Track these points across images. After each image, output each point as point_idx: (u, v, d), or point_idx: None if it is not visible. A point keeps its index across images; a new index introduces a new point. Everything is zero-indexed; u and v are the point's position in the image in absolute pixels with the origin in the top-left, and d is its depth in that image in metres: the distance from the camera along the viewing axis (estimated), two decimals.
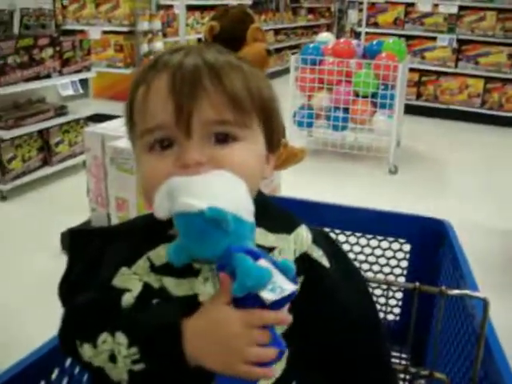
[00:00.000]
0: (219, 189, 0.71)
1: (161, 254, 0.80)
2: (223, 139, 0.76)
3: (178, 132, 0.74)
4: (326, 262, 0.88)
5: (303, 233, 0.88)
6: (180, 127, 0.74)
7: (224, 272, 0.69)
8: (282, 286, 0.66)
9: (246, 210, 0.72)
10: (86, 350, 0.76)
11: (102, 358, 0.75)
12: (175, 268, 0.76)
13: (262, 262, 0.67)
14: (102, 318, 0.76)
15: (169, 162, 0.75)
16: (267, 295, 0.66)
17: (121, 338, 0.73)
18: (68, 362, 1.02)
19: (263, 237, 0.83)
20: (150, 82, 0.76)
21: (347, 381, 0.91)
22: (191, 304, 0.76)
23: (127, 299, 0.78)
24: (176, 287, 0.79)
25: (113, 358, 0.73)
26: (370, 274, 1.57)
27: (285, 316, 0.70)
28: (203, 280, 0.79)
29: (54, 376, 0.99)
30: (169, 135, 0.75)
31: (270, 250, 0.83)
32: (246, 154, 0.77)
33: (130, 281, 0.79)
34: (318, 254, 0.88)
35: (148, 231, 0.83)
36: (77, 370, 1.06)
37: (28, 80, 3.78)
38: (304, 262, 0.86)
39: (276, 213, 0.90)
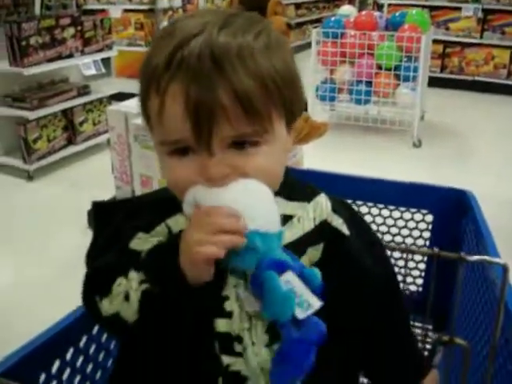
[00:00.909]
0: (245, 206, 0.72)
1: (179, 221, 0.82)
2: (241, 146, 0.74)
3: (199, 148, 0.73)
4: (346, 230, 0.88)
5: (322, 201, 0.89)
6: (201, 145, 0.73)
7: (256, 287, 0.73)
8: (309, 301, 0.69)
9: (273, 221, 0.74)
10: (104, 304, 0.78)
11: (117, 301, 0.77)
12: None
13: (288, 276, 0.69)
14: (117, 271, 0.79)
15: (192, 169, 0.75)
16: (297, 314, 0.69)
17: (132, 274, 0.76)
18: (95, 329, 1.06)
19: (283, 205, 0.84)
20: (165, 93, 0.72)
21: (367, 346, 0.92)
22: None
23: None
24: None
25: (127, 297, 0.76)
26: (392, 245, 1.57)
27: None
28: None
29: (81, 343, 1.02)
30: (189, 145, 0.74)
31: (290, 217, 0.84)
32: (268, 157, 0.76)
33: (147, 244, 0.81)
34: (338, 222, 0.88)
35: (169, 202, 0.84)
36: (104, 337, 1.09)
37: (50, 60, 3.81)
38: (324, 229, 0.87)
39: (295, 182, 0.91)
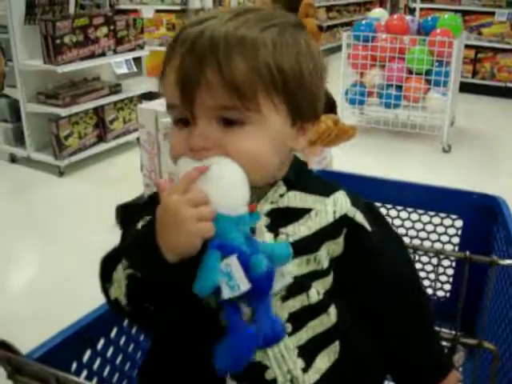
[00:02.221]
0: (211, 186, 0.74)
1: None
2: (230, 123, 0.77)
3: (187, 115, 0.78)
4: (367, 226, 0.89)
5: (341, 196, 0.90)
6: (186, 112, 0.77)
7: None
8: (240, 285, 0.70)
9: (235, 205, 0.74)
10: (110, 290, 0.80)
11: (115, 287, 0.79)
12: None
13: (231, 260, 0.71)
14: (118, 258, 0.80)
15: (184, 139, 0.78)
16: (224, 293, 0.70)
17: (124, 260, 0.78)
18: (126, 321, 1.07)
19: (301, 198, 0.86)
20: (168, 63, 0.80)
21: (389, 341, 0.93)
22: None
23: None
24: None
25: (119, 283, 0.78)
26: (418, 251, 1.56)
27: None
28: None
29: (112, 335, 1.04)
30: (182, 115, 0.79)
31: (307, 211, 0.85)
32: (253, 139, 0.77)
33: None
34: (361, 217, 0.89)
35: None
36: (134, 329, 1.11)
37: (83, 59, 3.86)
38: (344, 224, 0.88)
39: (314, 177, 0.93)
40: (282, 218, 0.84)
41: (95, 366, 1.01)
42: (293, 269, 0.81)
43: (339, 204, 0.89)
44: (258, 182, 0.82)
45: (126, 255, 0.77)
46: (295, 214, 0.85)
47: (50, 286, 2.53)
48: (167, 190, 0.73)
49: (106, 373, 1.05)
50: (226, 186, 0.74)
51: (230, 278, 0.70)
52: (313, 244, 0.85)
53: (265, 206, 0.84)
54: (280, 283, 0.76)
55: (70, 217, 3.25)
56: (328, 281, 0.88)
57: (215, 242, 0.72)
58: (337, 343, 0.87)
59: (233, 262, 0.70)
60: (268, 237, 0.82)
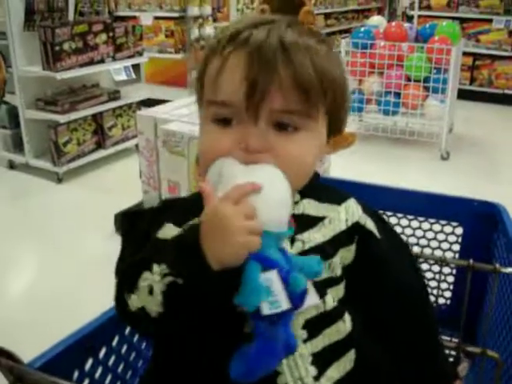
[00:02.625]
0: (261, 199, 0.73)
1: None
2: (284, 127, 0.77)
3: (246, 115, 0.76)
4: (377, 233, 0.90)
5: (353, 204, 0.91)
6: (249, 111, 0.76)
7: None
8: (280, 303, 0.70)
9: (278, 221, 0.74)
10: (133, 299, 0.77)
11: (142, 296, 0.76)
12: None
13: (271, 274, 0.70)
14: (143, 266, 0.78)
15: (230, 138, 0.77)
16: (263, 309, 0.70)
17: (155, 267, 0.75)
18: (127, 330, 1.07)
19: (313, 206, 0.87)
20: (228, 57, 0.78)
21: (396, 349, 0.93)
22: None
23: None
24: None
25: (151, 291, 0.75)
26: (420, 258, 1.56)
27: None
28: None
29: (114, 343, 1.04)
30: (236, 114, 0.77)
31: (321, 219, 0.86)
32: (306, 147, 0.79)
33: (175, 232, 0.81)
34: (371, 225, 0.90)
35: (201, 203, 0.85)
36: (136, 338, 1.11)
37: (82, 65, 3.87)
38: (356, 231, 0.89)
39: (325, 187, 0.93)
40: (297, 224, 0.84)
41: (97, 375, 1.01)
42: None
43: (351, 211, 0.90)
44: (296, 190, 0.84)
45: (167, 262, 0.74)
46: (310, 222, 0.86)
47: (48, 292, 2.52)
48: (216, 198, 0.72)
49: (107, 382, 1.04)
50: (274, 204, 0.74)
51: (269, 294, 0.70)
52: (328, 251, 0.85)
53: None
54: (310, 300, 0.76)
55: (68, 223, 3.24)
56: (340, 289, 0.88)
57: (256, 255, 0.71)
58: (352, 352, 0.86)
59: (273, 277, 0.70)
60: (284, 243, 0.82)
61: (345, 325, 0.86)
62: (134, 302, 0.78)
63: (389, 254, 0.92)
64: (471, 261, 1.05)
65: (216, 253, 0.70)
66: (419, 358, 0.94)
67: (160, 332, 0.83)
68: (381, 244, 0.91)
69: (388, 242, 0.92)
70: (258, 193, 0.72)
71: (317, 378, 0.82)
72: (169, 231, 0.82)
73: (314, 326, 0.83)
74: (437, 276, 1.54)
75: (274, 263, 0.71)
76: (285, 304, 0.70)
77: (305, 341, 0.82)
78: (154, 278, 0.75)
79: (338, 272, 0.87)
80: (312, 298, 0.77)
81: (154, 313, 0.76)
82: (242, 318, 0.76)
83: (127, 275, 0.81)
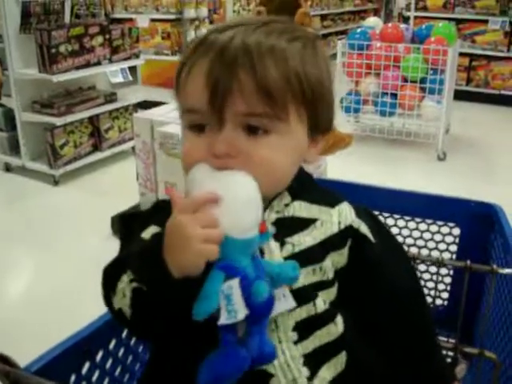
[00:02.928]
0: (222, 205, 0.72)
1: None
2: (254, 131, 0.76)
3: (212, 120, 0.76)
4: (371, 237, 0.89)
5: (346, 208, 0.90)
6: (213, 116, 0.76)
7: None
8: (237, 313, 0.69)
9: (245, 227, 0.73)
10: (114, 300, 0.79)
11: (119, 297, 0.78)
12: None
13: (232, 283, 0.70)
14: (122, 268, 0.79)
15: (203, 145, 0.77)
16: (220, 318, 0.69)
17: (128, 271, 0.77)
18: (124, 333, 1.07)
19: (305, 208, 0.86)
20: (193, 65, 0.78)
21: (392, 353, 0.92)
22: None
23: None
24: None
25: (124, 294, 0.77)
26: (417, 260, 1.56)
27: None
28: None
29: (111, 346, 1.03)
30: (204, 120, 0.77)
31: (312, 221, 0.85)
32: (277, 149, 0.78)
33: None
34: (364, 229, 0.89)
35: None
36: (133, 341, 1.10)
37: (79, 68, 3.86)
38: (348, 234, 0.88)
39: (319, 189, 0.92)
40: (287, 227, 0.84)
41: (94, 378, 1.00)
42: (299, 279, 0.81)
43: (344, 215, 0.89)
44: (272, 194, 0.82)
45: (132, 268, 0.76)
46: (300, 224, 0.85)
47: (46, 294, 2.51)
48: (179, 206, 0.71)
49: None
50: (237, 210, 0.72)
51: (229, 302, 0.69)
52: (318, 254, 0.85)
53: (270, 216, 0.84)
54: (283, 306, 0.75)
55: (65, 226, 3.24)
56: (333, 292, 0.88)
57: (220, 264, 0.70)
58: (343, 354, 0.86)
59: (234, 285, 0.70)
60: (274, 246, 0.82)
61: (336, 327, 0.86)
62: (114, 302, 0.79)
63: (383, 258, 0.91)
64: (468, 262, 1.05)
65: (175, 261, 0.70)
66: (415, 361, 0.94)
67: (134, 335, 0.84)
68: (375, 248, 0.90)
69: (383, 245, 0.91)
70: (218, 200, 0.71)
71: (310, 379, 0.82)
72: (152, 231, 0.82)
73: (305, 328, 0.83)
74: (434, 277, 1.54)
75: (238, 271, 0.70)
76: (241, 314, 0.69)
77: (295, 342, 0.82)
78: (126, 282, 0.77)
79: (330, 275, 0.86)
80: (287, 303, 0.76)
81: (128, 315, 0.78)
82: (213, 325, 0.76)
83: (109, 276, 0.82)
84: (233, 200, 0.72)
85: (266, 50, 0.76)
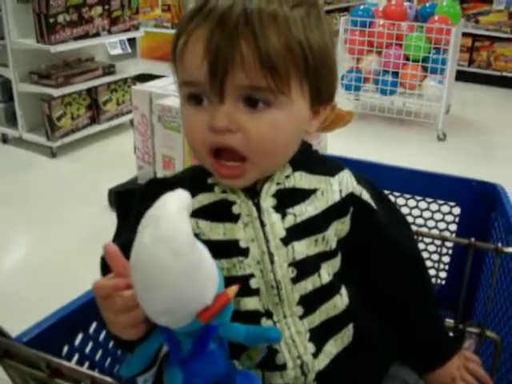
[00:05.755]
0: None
1: (199, 199, 0.82)
2: (254, 103, 0.74)
3: (211, 93, 0.74)
4: (373, 204, 0.89)
5: (347, 175, 0.89)
6: (213, 89, 0.73)
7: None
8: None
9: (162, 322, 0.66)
10: None
11: None
12: (212, 212, 0.79)
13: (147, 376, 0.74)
14: None
15: (203, 119, 0.75)
16: (138, 380, 0.73)
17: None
18: None
19: (305, 179, 0.85)
20: (190, 35, 0.75)
21: (394, 320, 0.92)
22: (234, 249, 0.79)
23: None
24: (210, 231, 0.80)
25: None
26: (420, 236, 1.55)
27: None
28: (243, 225, 0.80)
29: (91, 329, 1.01)
30: (203, 92, 0.75)
31: (313, 191, 0.84)
32: (278, 126, 0.76)
33: None
34: (366, 196, 0.89)
35: (192, 182, 0.83)
36: None
37: (77, 38, 3.79)
38: (350, 202, 0.87)
39: (319, 158, 0.92)
40: (288, 198, 0.82)
41: (87, 350, 0.99)
42: (302, 249, 0.80)
43: (344, 183, 0.88)
44: (274, 171, 0.81)
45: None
46: (302, 195, 0.84)
47: (40, 265, 2.50)
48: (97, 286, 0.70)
49: (98, 357, 1.03)
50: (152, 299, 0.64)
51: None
52: (321, 224, 0.84)
53: (271, 187, 0.82)
54: (259, 357, 0.74)
55: (62, 198, 3.22)
56: (336, 263, 0.87)
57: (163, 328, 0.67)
58: (350, 326, 0.85)
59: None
60: (275, 217, 0.80)
61: (342, 299, 0.85)
62: None
63: (385, 225, 0.91)
64: (473, 239, 1.03)
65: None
66: (417, 326, 0.94)
67: None
68: (378, 215, 0.90)
69: (385, 212, 0.91)
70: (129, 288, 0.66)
71: (315, 355, 0.81)
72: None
73: (310, 302, 0.82)
74: (433, 256, 1.54)
75: (172, 344, 0.68)
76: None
77: (301, 317, 0.81)
78: None
79: (333, 245, 0.85)
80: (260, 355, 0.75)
81: None
82: None
83: (104, 263, 0.80)
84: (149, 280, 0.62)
85: (268, 18, 0.72)
